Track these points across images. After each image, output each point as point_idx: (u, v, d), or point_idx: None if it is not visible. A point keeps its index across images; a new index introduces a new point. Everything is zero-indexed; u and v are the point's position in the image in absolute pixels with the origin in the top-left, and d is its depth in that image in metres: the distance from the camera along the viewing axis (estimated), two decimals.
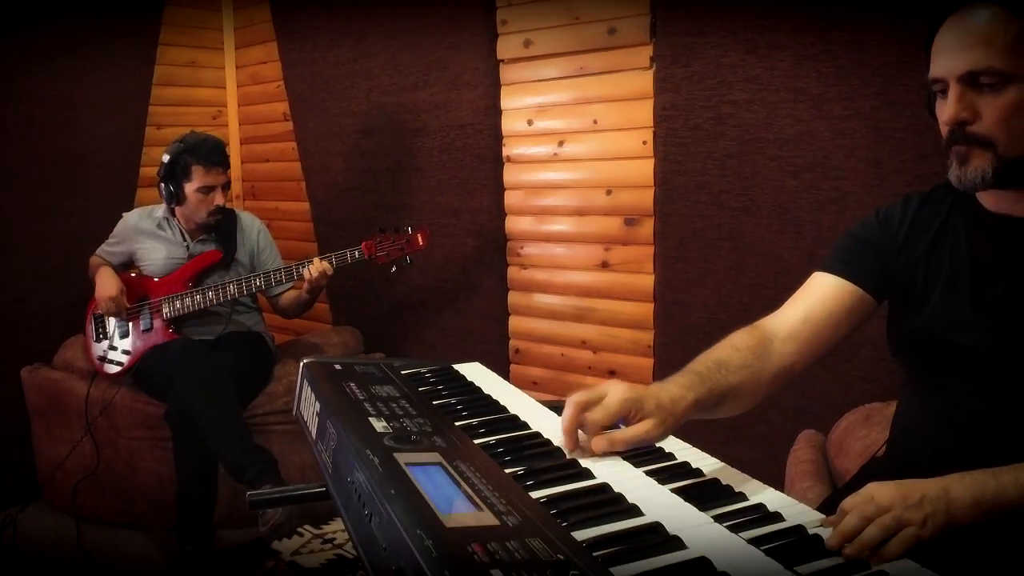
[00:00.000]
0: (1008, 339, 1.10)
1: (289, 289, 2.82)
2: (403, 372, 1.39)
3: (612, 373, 2.65)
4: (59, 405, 2.85)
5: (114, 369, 2.73)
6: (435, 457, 0.96)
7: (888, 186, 2.02)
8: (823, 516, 0.93)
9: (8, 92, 3.02)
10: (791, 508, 0.96)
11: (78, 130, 3.21)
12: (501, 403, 1.27)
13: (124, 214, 2.87)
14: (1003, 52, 1.03)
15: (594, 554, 0.77)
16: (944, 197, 1.22)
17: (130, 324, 2.74)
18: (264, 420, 2.70)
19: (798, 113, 2.16)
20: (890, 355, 1.28)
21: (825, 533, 0.89)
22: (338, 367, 1.36)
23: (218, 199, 2.69)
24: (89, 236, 2.90)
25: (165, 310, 2.70)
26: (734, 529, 0.88)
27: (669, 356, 2.48)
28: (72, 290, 2.94)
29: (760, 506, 0.97)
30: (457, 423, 1.15)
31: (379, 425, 1.07)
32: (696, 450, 1.15)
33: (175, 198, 2.69)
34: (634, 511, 0.89)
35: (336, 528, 2.72)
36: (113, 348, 2.74)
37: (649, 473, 1.03)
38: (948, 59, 1.08)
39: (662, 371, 2.47)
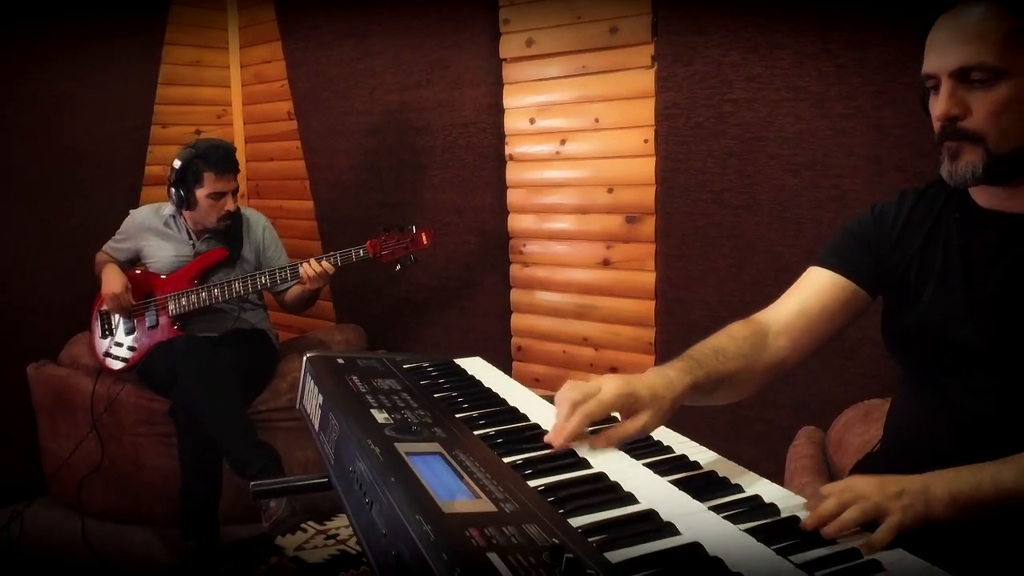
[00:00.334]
0: (1000, 335, 1.11)
1: (294, 285, 2.84)
2: (405, 366, 1.41)
3: (613, 370, 2.66)
4: (65, 402, 2.87)
5: (119, 365, 2.75)
6: (435, 447, 0.98)
7: (888, 184, 2.03)
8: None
9: (13, 91, 3.04)
10: (787, 500, 0.98)
11: (83, 129, 3.24)
12: (501, 396, 1.28)
13: (131, 211, 2.89)
14: (994, 48, 1.04)
15: (589, 539, 0.79)
16: (939, 194, 1.23)
17: (136, 321, 2.76)
18: (268, 416, 2.72)
19: (799, 112, 2.17)
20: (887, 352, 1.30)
21: None
22: (341, 361, 1.38)
23: (229, 205, 2.72)
24: (94, 234, 2.92)
25: (171, 307, 2.73)
26: (729, 518, 0.90)
27: (670, 353, 2.45)
28: (77, 287, 2.96)
29: (755, 497, 0.98)
30: (457, 415, 1.17)
31: (381, 417, 1.09)
32: (694, 443, 1.17)
33: (186, 203, 2.71)
34: (629, 499, 0.90)
35: (339, 524, 2.73)
36: (118, 344, 2.76)
37: (647, 464, 1.05)
38: (940, 55, 1.09)
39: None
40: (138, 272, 2.83)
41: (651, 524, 0.84)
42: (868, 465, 1.34)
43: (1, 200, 3.01)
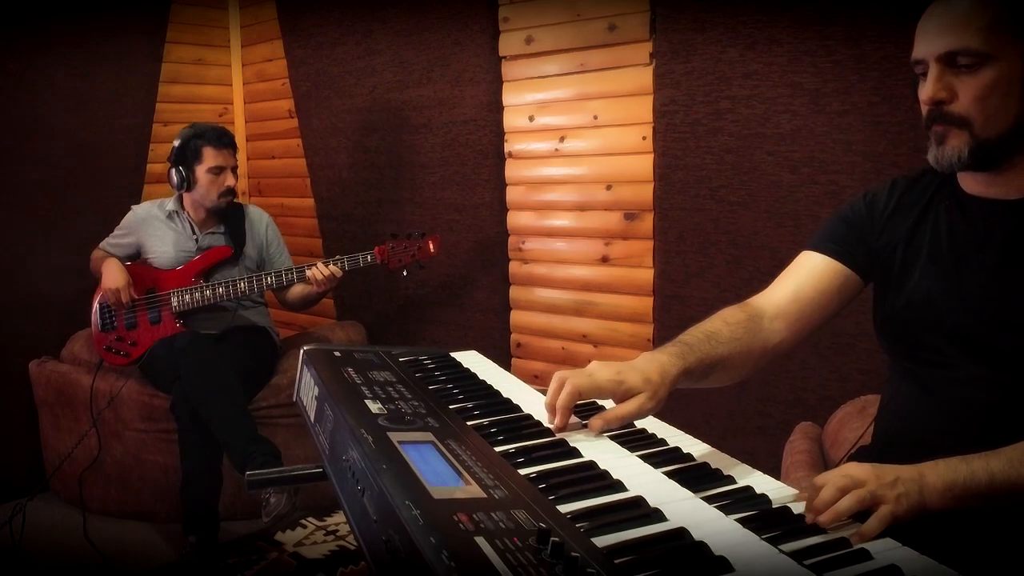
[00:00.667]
0: (986, 321, 1.12)
1: (296, 284, 2.85)
2: (401, 359, 1.42)
3: None
4: (66, 398, 2.89)
5: (120, 360, 2.77)
6: (427, 436, 0.99)
7: (884, 180, 2.02)
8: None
9: (17, 88, 3.06)
10: (779, 491, 0.98)
11: (86, 126, 3.25)
12: (495, 388, 1.29)
13: (133, 206, 2.91)
14: (980, 33, 1.06)
15: (577, 524, 0.80)
16: (930, 181, 1.24)
17: (138, 315, 2.77)
18: (269, 413, 2.73)
19: (795, 108, 2.18)
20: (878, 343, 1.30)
21: None
22: (337, 354, 1.39)
23: (229, 180, 2.75)
24: (96, 231, 2.93)
25: (174, 303, 2.74)
26: (719, 507, 0.90)
27: None
28: (79, 284, 2.97)
29: (747, 488, 0.98)
30: (451, 406, 1.18)
31: (375, 407, 1.10)
32: (689, 436, 1.17)
33: (186, 182, 2.74)
34: (618, 487, 0.91)
35: (339, 520, 2.75)
36: (120, 339, 2.77)
37: (640, 456, 1.05)
38: (928, 40, 1.11)
39: None
40: (141, 266, 2.84)
41: (639, 510, 0.85)
42: (860, 457, 1.34)
43: (3, 197, 3.03)
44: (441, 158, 3.05)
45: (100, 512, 2.79)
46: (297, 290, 2.84)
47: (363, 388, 1.19)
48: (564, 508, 0.84)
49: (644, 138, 2.49)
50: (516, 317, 2.93)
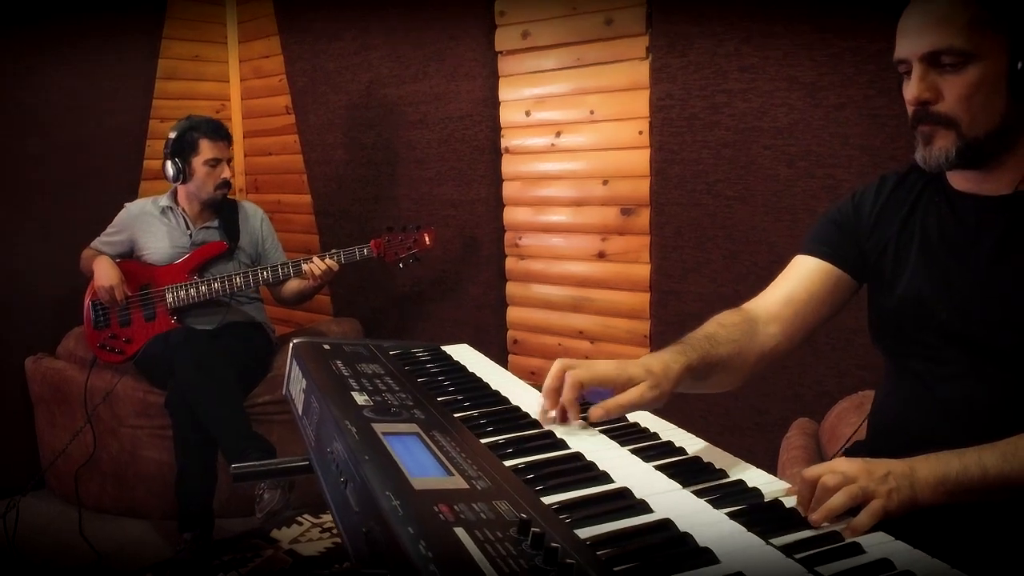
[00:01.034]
0: (977, 317, 1.10)
1: (291, 279, 2.84)
2: (391, 352, 1.41)
3: None
4: (62, 394, 2.88)
5: (115, 357, 2.76)
6: (412, 428, 0.98)
7: (879, 174, 2.01)
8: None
9: (14, 85, 3.05)
10: (771, 484, 0.97)
11: (83, 123, 3.24)
12: (484, 380, 1.28)
13: (126, 204, 2.90)
14: (963, 31, 1.04)
15: (560, 516, 0.78)
16: (917, 178, 1.22)
17: (132, 312, 2.76)
18: (264, 409, 2.72)
19: (792, 102, 2.16)
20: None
21: None
22: (327, 347, 1.38)
23: (225, 172, 2.75)
24: (93, 228, 2.91)
25: (169, 299, 2.73)
26: (709, 501, 0.88)
27: (665, 345, 2.47)
28: (75, 281, 2.95)
29: (739, 482, 0.97)
30: (439, 398, 1.17)
31: (360, 399, 1.08)
32: (682, 431, 1.16)
33: (183, 174, 2.73)
34: (604, 478, 0.90)
35: None
36: (114, 337, 2.76)
37: (632, 450, 1.03)
38: (911, 40, 1.09)
39: None
40: (135, 263, 2.83)
41: (623, 502, 0.83)
42: (854, 453, 1.33)
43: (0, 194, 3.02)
44: (437, 154, 3.03)
45: (95, 509, 2.78)
46: (292, 285, 2.83)
47: (350, 380, 1.18)
48: (548, 499, 0.83)
49: (640, 132, 2.48)
50: (513, 313, 2.92)
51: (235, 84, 3.85)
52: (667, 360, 1.11)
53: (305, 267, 2.67)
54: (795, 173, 2.18)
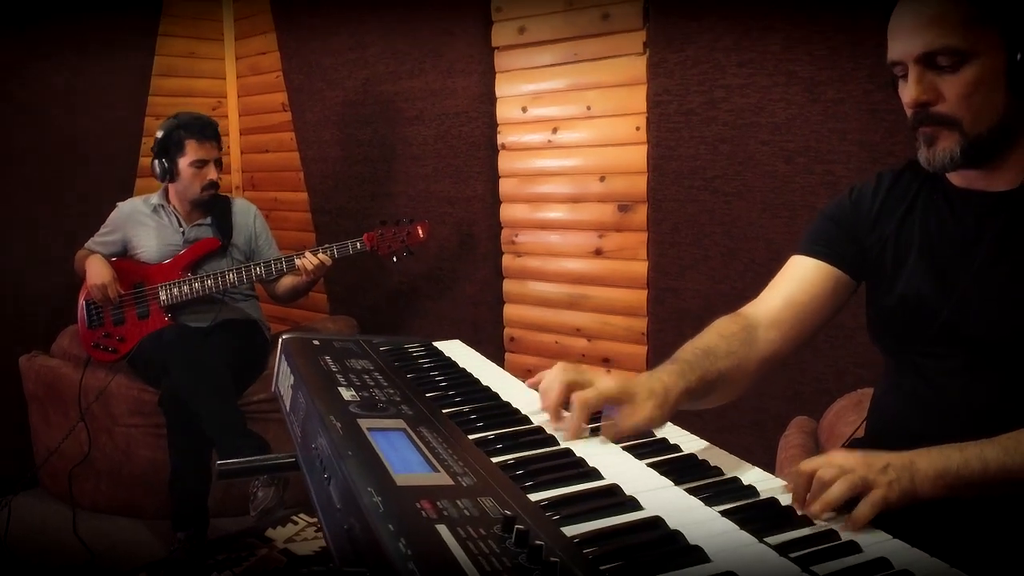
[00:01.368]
0: (977, 315, 1.09)
1: (285, 276, 2.83)
2: (382, 348, 1.39)
3: (606, 360, 2.64)
4: (56, 393, 2.86)
5: (109, 356, 2.74)
6: (399, 423, 0.96)
7: (881, 169, 1.99)
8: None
9: (7, 80, 3.03)
10: (767, 482, 0.95)
11: (78, 119, 3.23)
12: (475, 376, 1.26)
13: (118, 203, 2.88)
14: (957, 30, 1.01)
15: (547, 513, 0.76)
16: (915, 174, 1.20)
17: (125, 311, 2.74)
18: (260, 408, 2.70)
19: (790, 97, 2.14)
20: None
21: None
22: (316, 342, 1.37)
23: (211, 174, 2.71)
24: (87, 225, 2.89)
25: (162, 296, 2.71)
26: (703, 499, 0.86)
27: (663, 343, 2.46)
28: (69, 279, 2.94)
29: (734, 479, 0.95)
30: (428, 394, 1.15)
31: (347, 394, 1.06)
32: (678, 428, 1.13)
33: (169, 174, 2.71)
34: (594, 475, 0.88)
35: None
36: (108, 336, 2.75)
37: (624, 448, 1.01)
38: (904, 41, 1.06)
39: (656, 358, 2.46)
40: (128, 261, 2.81)
41: (613, 499, 0.81)
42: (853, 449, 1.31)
43: None
44: (434, 150, 3.01)
45: (90, 508, 2.76)
46: (286, 281, 2.81)
47: (338, 376, 1.16)
48: (535, 496, 0.81)
49: (638, 128, 2.46)
50: (509, 311, 2.90)
51: (231, 81, 3.83)
52: (668, 383, 1.07)
53: (298, 262, 2.65)
54: (793, 169, 2.16)
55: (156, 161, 2.71)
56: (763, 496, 0.90)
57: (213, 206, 2.80)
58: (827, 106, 2.08)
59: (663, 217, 2.44)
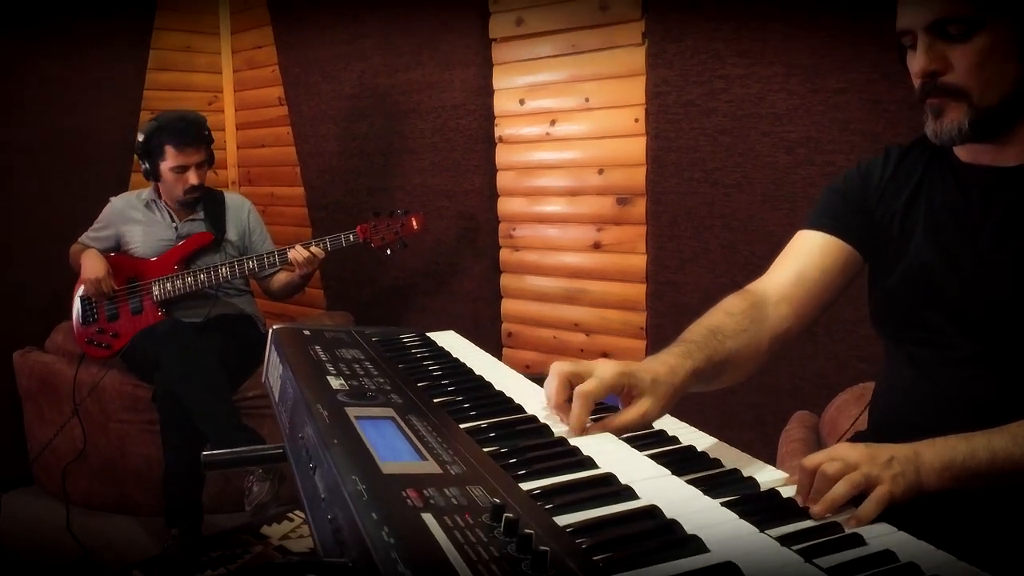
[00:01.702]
0: (984, 293, 1.06)
1: (279, 272, 2.80)
2: (373, 338, 1.36)
3: (605, 355, 2.61)
4: (50, 389, 2.84)
5: (103, 352, 2.71)
6: (387, 412, 0.93)
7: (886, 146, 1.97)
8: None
9: (3, 76, 3.00)
10: (769, 473, 0.92)
11: (73, 115, 3.20)
12: (468, 366, 1.23)
13: (111, 199, 2.86)
14: None
15: (539, 503, 0.74)
16: (924, 149, 1.18)
17: (119, 306, 2.72)
18: (255, 403, 2.68)
19: (791, 87, 2.11)
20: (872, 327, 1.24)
21: None
22: (307, 332, 1.34)
23: (192, 179, 2.66)
24: (82, 220, 2.87)
25: (156, 292, 2.68)
26: (703, 490, 0.83)
27: (662, 337, 2.43)
28: (64, 274, 2.92)
29: (734, 470, 0.92)
30: (420, 383, 1.12)
31: (336, 383, 1.04)
32: (675, 420, 1.10)
33: (152, 175, 2.70)
34: (588, 464, 0.85)
35: None
36: (102, 331, 2.72)
37: (623, 439, 0.98)
38: (914, 9, 1.04)
39: (655, 353, 2.42)
40: (122, 256, 2.78)
41: (608, 488, 0.78)
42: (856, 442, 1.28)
43: None
44: (431, 143, 2.99)
45: (84, 505, 2.74)
46: (281, 277, 2.79)
47: (328, 365, 1.13)
48: (527, 485, 0.78)
49: (636, 120, 2.43)
50: (507, 306, 2.87)
51: (227, 75, 3.80)
52: (673, 365, 1.03)
53: (290, 255, 2.62)
54: (794, 160, 2.13)
55: (141, 161, 2.69)
56: (763, 487, 0.87)
57: (206, 201, 2.78)
58: (828, 96, 2.05)
59: (662, 210, 2.41)
